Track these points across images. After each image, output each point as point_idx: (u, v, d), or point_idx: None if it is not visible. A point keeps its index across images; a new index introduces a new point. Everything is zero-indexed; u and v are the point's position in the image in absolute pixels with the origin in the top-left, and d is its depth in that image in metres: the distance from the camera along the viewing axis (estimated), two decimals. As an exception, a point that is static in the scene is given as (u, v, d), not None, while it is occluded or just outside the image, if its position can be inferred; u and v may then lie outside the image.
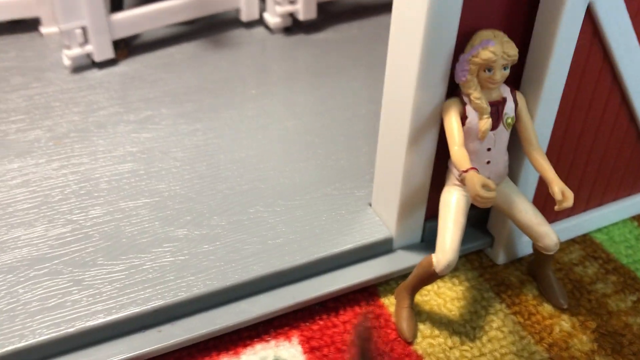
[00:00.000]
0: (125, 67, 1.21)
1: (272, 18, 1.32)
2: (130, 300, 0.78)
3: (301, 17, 1.31)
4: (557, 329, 0.86)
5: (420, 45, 0.71)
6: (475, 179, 0.70)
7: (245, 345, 0.81)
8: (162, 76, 1.19)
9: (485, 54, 0.71)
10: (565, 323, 0.87)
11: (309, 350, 0.81)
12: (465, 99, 0.75)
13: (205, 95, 1.14)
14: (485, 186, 0.70)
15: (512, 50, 0.71)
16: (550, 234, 0.82)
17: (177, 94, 1.15)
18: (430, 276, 0.80)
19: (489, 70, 0.72)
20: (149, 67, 1.21)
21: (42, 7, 1.25)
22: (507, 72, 0.73)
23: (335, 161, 1.02)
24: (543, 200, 0.89)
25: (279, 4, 1.29)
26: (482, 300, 0.89)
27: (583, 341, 0.84)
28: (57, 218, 0.89)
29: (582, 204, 0.97)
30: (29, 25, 1.29)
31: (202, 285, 0.80)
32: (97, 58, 1.18)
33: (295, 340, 0.82)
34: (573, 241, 0.98)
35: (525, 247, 0.94)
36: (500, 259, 0.94)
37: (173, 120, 1.08)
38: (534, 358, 0.82)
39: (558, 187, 0.75)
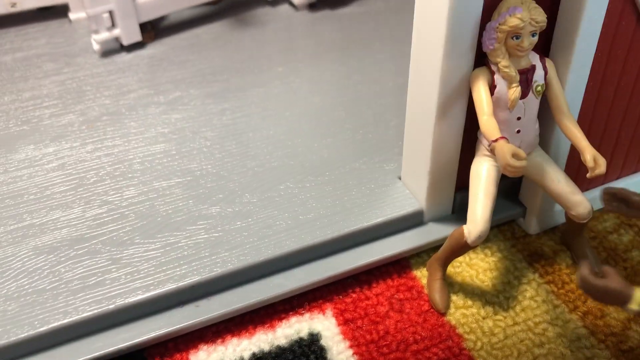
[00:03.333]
0: (153, 49, 1.22)
1: (296, -6, 1.31)
2: (167, 277, 0.80)
3: (325, -8, 1.31)
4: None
5: (446, 14, 0.70)
6: (505, 148, 0.69)
7: (280, 319, 0.83)
8: (189, 57, 1.20)
9: (513, 21, 0.70)
10: (600, 291, 0.86)
11: (343, 322, 0.82)
12: (494, 67, 0.74)
13: (232, 75, 1.15)
14: (515, 155, 0.69)
15: (540, 16, 0.70)
16: (584, 203, 0.81)
17: (204, 74, 1.15)
18: (461, 247, 0.80)
19: (517, 37, 0.71)
20: (176, 49, 1.22)
21: (69, -7, 1.26)
22: (536, 39, 0.72)
23: (363, 135, 1.02)
24: (575, 169, 0.88)
25: (302, -20, 1.29)
26: (515, 271, 0.89)
27: (619, 309, 0.84)
28: (94, 199, 0.91)
29: (616, 171, 0.96)
30: (58, 11, 1.31)
31: (237, 261, 0.82)
32: (125, 42, 1.20)
33: (329, 313, 0.84)
34: (607, 209, 0.97)
35: (558, 217, 0.93)
36: (533, 229, 0.93)
37: (202, 101, 1.09)
38: (568, 326, 0.82)
39: (590, 155, 0.74)
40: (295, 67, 1.17)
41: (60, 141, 1.01)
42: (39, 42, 1.24)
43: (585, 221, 0.83)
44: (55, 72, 1.16)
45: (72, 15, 1.29)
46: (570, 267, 0.89)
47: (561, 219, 0.93)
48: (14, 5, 1.26)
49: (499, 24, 0.71)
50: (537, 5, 0.71)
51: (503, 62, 0.73)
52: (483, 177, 0.79)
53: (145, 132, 1.03)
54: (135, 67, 1.18)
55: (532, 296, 0.86)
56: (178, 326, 0.78)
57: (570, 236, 0.89)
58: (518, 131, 0.78)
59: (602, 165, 0.74)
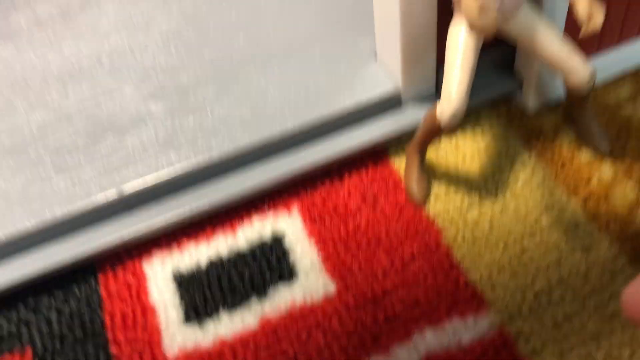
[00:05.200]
0: None
1: None
2: (111, 181, 0.73)
3: None
4: (595, 178, 0.74)
5: None
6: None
7: (241, 219, 0.75)
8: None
9: None
10: (607, 171, 0.75)
11: (310, 220, 0.74)
12: None
13: (195, -46, 1.02)
14: (483, 9, 0.57)
15: None
16: (584, 66, 0.68)
17: (164, -44, 1.03)
18: (436, 129, 0.69)
19: None
20: None
21: None
22: None
23: (336, 9, 0.89)
24: (577, 31, 0.74)
25: None
26: (508, 152, 0.78)
27: (627, 190, 0.73)
28: (38, 102, 0.83)
29: (634, 28, 0.81)
30: None
31: (186, 161, 0.74)
32: None
33: (295, 210, 0.76)
34: (623, 76, 0.83)
35: (560, 90, 0.80)
36: (531, 104, 0.81)
37: (160, -13, 0.98)
38: (565, 213, 0.72)
39: (582, 4, 0.60)
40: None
41: (7, 41, 0.93)
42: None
43: (586, 90, 0.70)
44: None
45: None
46: (573, 145, 0.77)
47: (564, 92, 0.80)
48: None
49: None
50: None
51: None
52: (460, 44, 0.67)
53: (97, 28, 0.93)
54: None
55: (526, 180, 0.75)
56: (127, 234, 0.72)
57: (572, 109, 0.77)
58: (497, -16, 0.64)
59: (597, 17, 0.60)
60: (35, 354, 0.66)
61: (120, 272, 0.72)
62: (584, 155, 0.76)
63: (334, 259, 0.71)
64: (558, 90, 0.80)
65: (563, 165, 0.76)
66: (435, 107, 0.68)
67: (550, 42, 0.68)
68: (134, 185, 0.72)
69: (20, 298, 0.70)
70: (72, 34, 0.93)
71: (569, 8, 0.72)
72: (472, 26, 0.57)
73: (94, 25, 0.93)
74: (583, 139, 0.77)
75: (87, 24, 0.94)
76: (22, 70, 0.88)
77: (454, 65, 0.67)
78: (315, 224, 0.74)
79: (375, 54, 0.82)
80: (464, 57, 0.67)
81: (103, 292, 0.70)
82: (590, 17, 0.61)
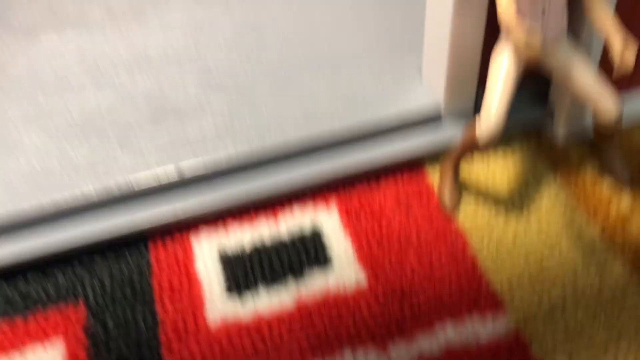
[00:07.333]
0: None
1: None
2: (171, 160, 0.80)
3: None
4: (614, 207, 0.80)
5: None
6: (520, 22, 0.63)
7: (283, 207, 0.81)
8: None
9: None
10: (625, 201, 0.80)
11: (347, 215, 0.81)
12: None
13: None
14: (528, 40, 0.63)
15: None
16: (612, 104, 0.74)
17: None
18: (474, 145, 0.76)
19: None
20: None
21: None
22: None
23: (387, 29, 0.97)
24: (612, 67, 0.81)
25: None
26: (535, 175, 0.84)
27: (643, 219, 0.78)
28: (105, 84, 0.91)
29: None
30: None
31: (240, 146, 0.81)
32: None
33: (333, 205, 0.82)
34: (648, 119, 0.89)
35: (589, 124, 0.86)
36: (560, 135, 0.87)
37: (225, -4, 1.06)
38: (585, 236, 0.77)
39: (617, 42, 0.67)
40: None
41: (81, 28, 1.00)
42: None
43: (613, 125, 0.76)
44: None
45: None
46: (596, 175, 0.83)
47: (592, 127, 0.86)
48: None
49: None
50: None
51: None
52: (503, 69, 0.73)
53: (165, 25, 1.01)
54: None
55: (549, 202, 0.81)
56: (181, 209, 0.78)
57: (600, 142, 0.83)
58: (543, 11, 0.70)
59: (628, 60, 0.67)
60: (88, 307, 0.72)
61: (169, 244, 0.78)
62: (606, 186, 0.82)
63: (367, 253, 0.77)
64: (586, 125, 0.86)
65: (585, 192, 0.82)
66: (474, 125, 0.75)
67: (583, 77, 0.74)
68: (190, 164, 0.79)
69: (75, 256, 0.76)
70: (140, 28, 1.00)
71: (604, 47, 0.78)
72: (518, 54, 0.64)
73: (161, 22, 1.01)
74: (606, 169, 0.83)
75: (156, 21, 1.01)
76: (94, 55, 0.96)
77: (495, 88, 0.73)
78: (351, 219, 0.80)
79: (420, 71, 0.89)
80: (505, 81, 0.73)
81: (153, 261, 0.76)
82: (622, 61, 0.67)
